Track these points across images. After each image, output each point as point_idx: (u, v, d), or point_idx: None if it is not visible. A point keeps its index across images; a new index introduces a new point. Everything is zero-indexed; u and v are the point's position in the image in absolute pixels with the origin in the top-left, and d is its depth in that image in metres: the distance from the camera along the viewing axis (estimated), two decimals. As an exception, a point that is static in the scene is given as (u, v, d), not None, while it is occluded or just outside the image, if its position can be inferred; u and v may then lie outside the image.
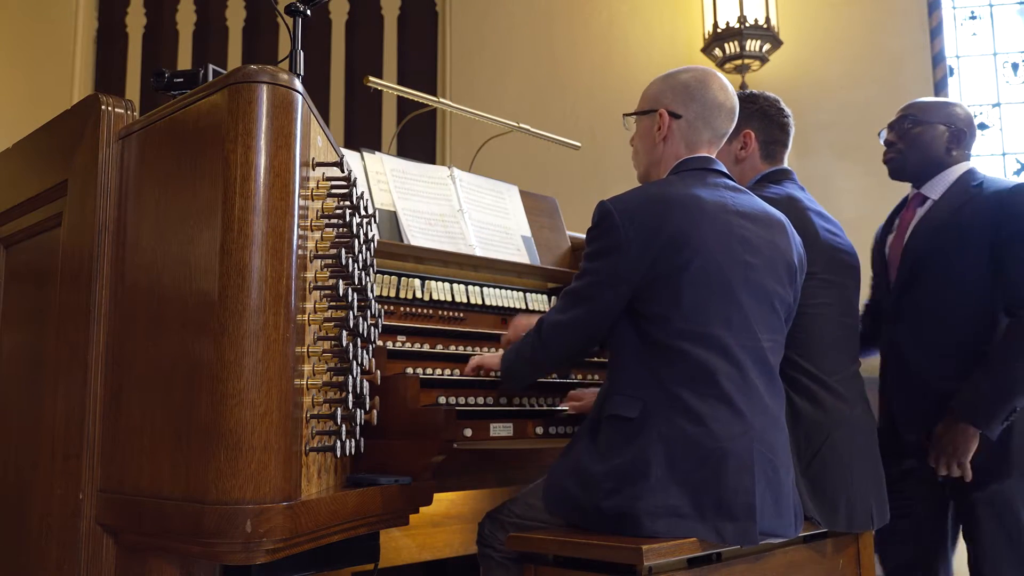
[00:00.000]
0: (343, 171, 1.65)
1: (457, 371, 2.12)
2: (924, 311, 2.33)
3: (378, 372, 1.81)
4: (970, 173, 2.39)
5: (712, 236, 1.79)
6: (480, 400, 2.02)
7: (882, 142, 2.53)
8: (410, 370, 2.00)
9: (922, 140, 2.42)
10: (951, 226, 2.32)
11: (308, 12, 1.87)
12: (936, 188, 2.42)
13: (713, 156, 1.97)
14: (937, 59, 4.98)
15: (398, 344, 2.15)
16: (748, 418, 1.74)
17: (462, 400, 1.98)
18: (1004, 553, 2.22)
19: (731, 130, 2.00)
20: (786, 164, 2.35)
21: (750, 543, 1.72)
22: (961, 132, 2.41)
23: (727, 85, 1.99)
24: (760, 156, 2.32)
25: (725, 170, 1.96)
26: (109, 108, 1.59)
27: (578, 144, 3.31)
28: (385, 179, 2.41)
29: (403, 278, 2.32)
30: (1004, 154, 5.06)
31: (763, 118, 2.33)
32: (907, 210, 2.49)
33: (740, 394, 1.75)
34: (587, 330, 1.85)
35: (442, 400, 1.94)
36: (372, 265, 1.77)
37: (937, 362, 2.29)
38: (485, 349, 2.30)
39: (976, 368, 2.20)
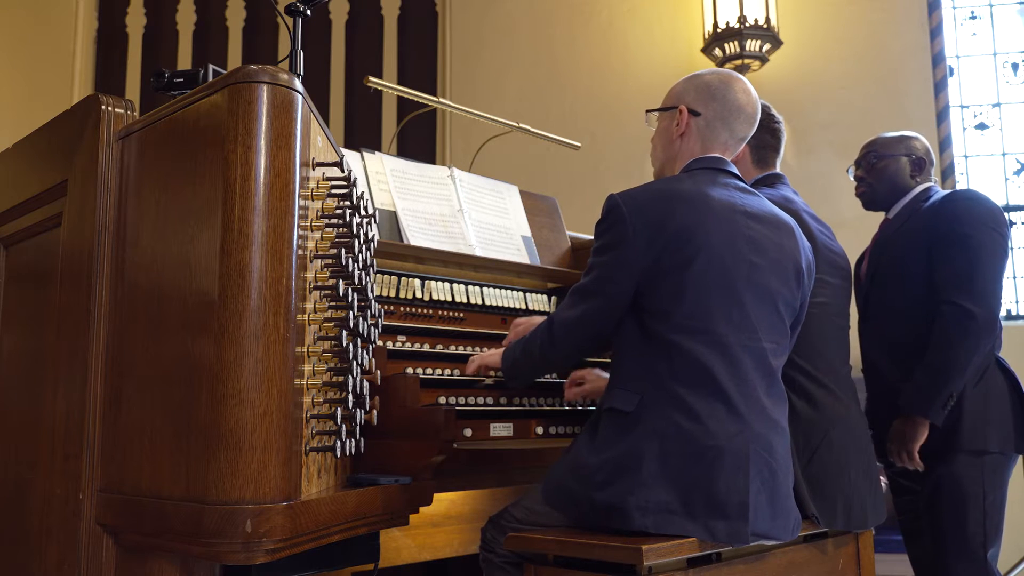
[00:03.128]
0: (343, 171, 1.65)
1: (457, 371, 2.12)
2: (882, 310, 2.51)
3: (378, 372, 1.81)
4: (924, 192, 2.57)
5: (718, 233, 1.79)
6: (480, 400, 2.02)
7: (851, 178, 2.71)
8: (410, 370, 2.00)
9: (887, 172, 2.62)
10: (899, 235, 2.51)
11: (308, 12, 1.87)
12: (895, 211, 2.61)
13: (727, 159, 1.97)
14: (937, 59, 4.98)
15: (398, 344, 2.15)
16: (745, 418, 1.74)
17: (462, 400, 1.98)
18: (951, 530, 2.32)
19: (750, 135, 2.00)
20: (778, 169, 2.37)
21: (741, 543, 1.72)
22: (921, 160, 2.61)
23: (751, 90, 1.99)
24: (752, 161, 2.35)
25: (737, 171, 1.96)
26: (109, 108, 1.59)
27: (578, 144, 3.31)
28: (385, 179, 2.41)
29: (403, 278, 2.32)
30: (1004, 154, 5.06)
31: None
32: (876, 234, 2.66)
33: (738, 393, 1.75)
34: (596, 325, 1.85)
35: (442, 400, 1.94)
36: (372, 265, 1.77)
37: (891, 358, 2.46)
38: (485, 349, 2.30)
39: (917, 363, 2.36)
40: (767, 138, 2.35)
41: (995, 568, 2.33)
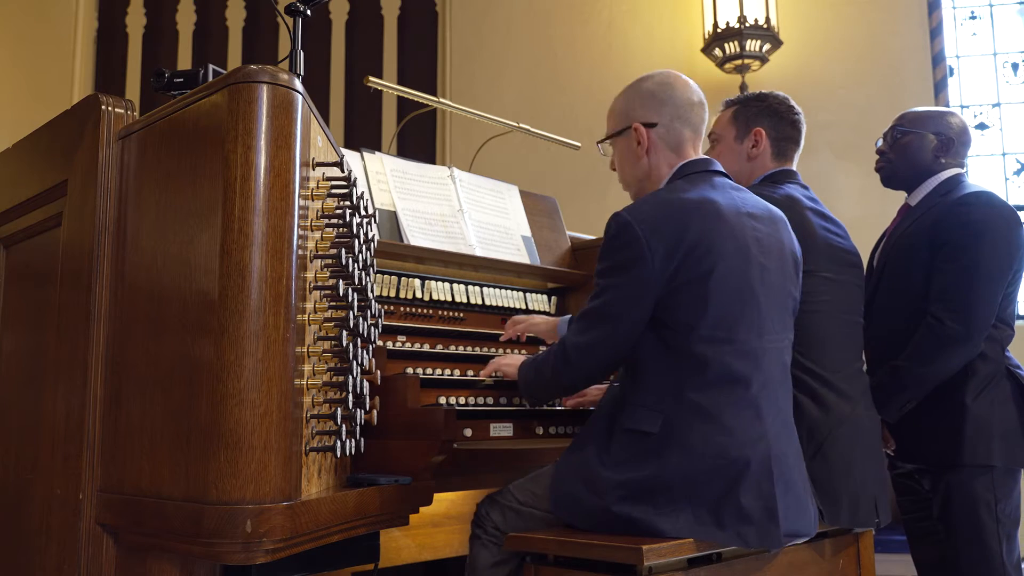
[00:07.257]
0: (343, 171, 1.65)
1: (457, 371, 2.12)
2: (882, 312, 2.41)
3: (378, 372, 1.81)
4: (949, 181, 2.42)
5: (731, 240, 1.78)
6: (480, 400, 2.02)
7: (876, 151, 2.57)
8: (410, 370, 2.00)
9: (910, 149, 2.47)
10: (910, 233, 2.39)
11: (308, 12, 1.87)
12: (917, 196, 2.47)
13: (709, 157, 1.97)
14: (937, 59, 4.98)
15: (398, 344, 2.15)
16: (767, 422, 1.75)
17: (462, 400, 1.98)
18: (966, 539, 2.26)
19: (706, 121, 2.00)
20: (795, 164, 2.35)
21: (775, 546, 1.73)
22: (949, 140, 2.44)
23: (690, 82, 1.98)
24: (771, 154, 2.31)
25: (723, 170, 1.96)
26: (109, 108, 1.59)
27: (578, 144, 3.31)
28: (385, 179, 2.41)
29: (403, 278, 2.32)
30: (1004, 154, 5.06)
31: (773, 115, 2.31)
32: (894, 220, 2.55)
33: (763, 399, 1.76)
34: (613, 348, 1.78)
35: (442, 400, 1.94)
36: (372, 265, 1.77)
37: (888, 355, 2.35)
38: (485, 349, 2.31)
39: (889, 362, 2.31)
40: (788, 130, 2.31)
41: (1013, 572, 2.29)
